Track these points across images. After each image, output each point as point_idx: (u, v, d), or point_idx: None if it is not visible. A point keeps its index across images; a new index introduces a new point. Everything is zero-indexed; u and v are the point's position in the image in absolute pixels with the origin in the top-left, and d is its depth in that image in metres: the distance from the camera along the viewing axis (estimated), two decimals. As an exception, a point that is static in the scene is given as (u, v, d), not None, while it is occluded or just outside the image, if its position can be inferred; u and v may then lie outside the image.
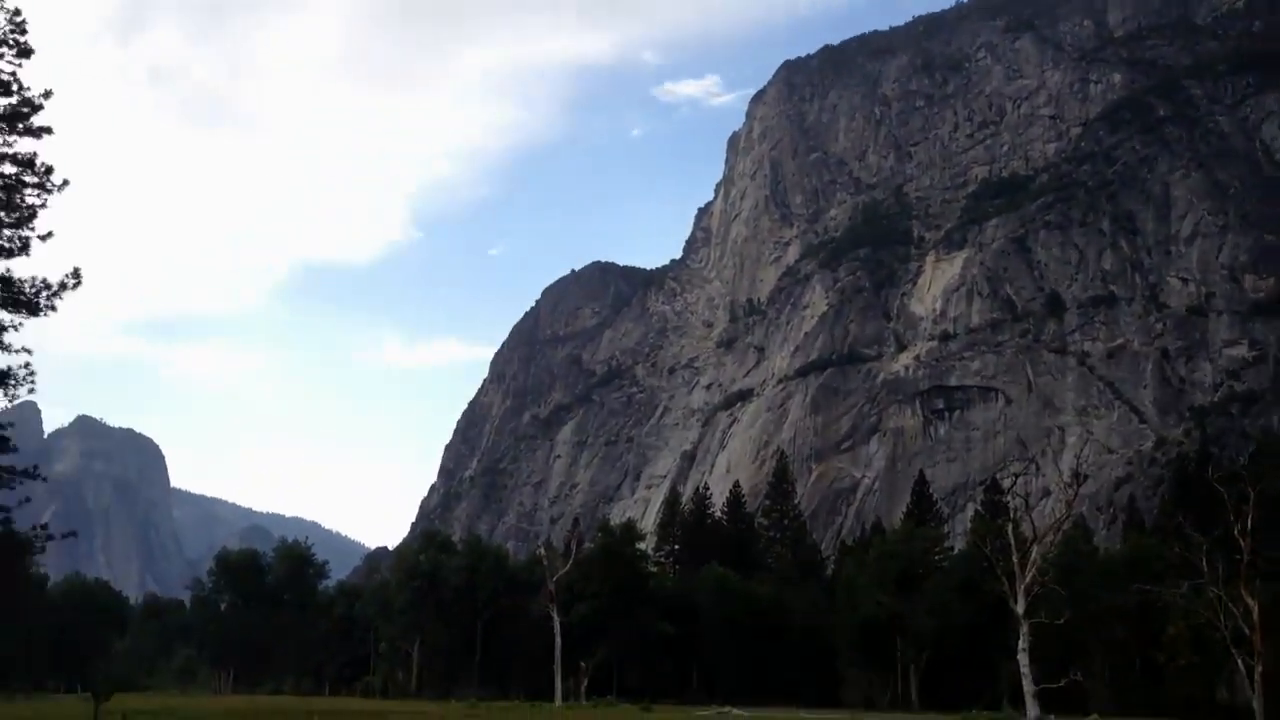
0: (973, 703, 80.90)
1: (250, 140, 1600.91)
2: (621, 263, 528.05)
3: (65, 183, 40.96)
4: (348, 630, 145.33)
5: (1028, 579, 70.84)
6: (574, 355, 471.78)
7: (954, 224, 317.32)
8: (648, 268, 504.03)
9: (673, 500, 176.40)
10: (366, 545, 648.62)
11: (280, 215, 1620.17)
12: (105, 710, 47.68)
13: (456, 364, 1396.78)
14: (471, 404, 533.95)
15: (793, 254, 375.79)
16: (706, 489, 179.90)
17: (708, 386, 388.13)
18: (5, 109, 39.96)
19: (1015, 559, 71.72)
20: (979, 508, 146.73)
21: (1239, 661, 66.13)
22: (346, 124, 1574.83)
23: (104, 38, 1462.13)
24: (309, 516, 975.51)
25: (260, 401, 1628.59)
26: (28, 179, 40.41)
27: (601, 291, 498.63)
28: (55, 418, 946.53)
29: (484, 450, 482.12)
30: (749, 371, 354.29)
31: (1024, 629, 69.79)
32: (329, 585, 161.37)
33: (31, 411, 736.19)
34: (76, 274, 40.46)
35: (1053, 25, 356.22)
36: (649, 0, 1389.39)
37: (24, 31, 39.88)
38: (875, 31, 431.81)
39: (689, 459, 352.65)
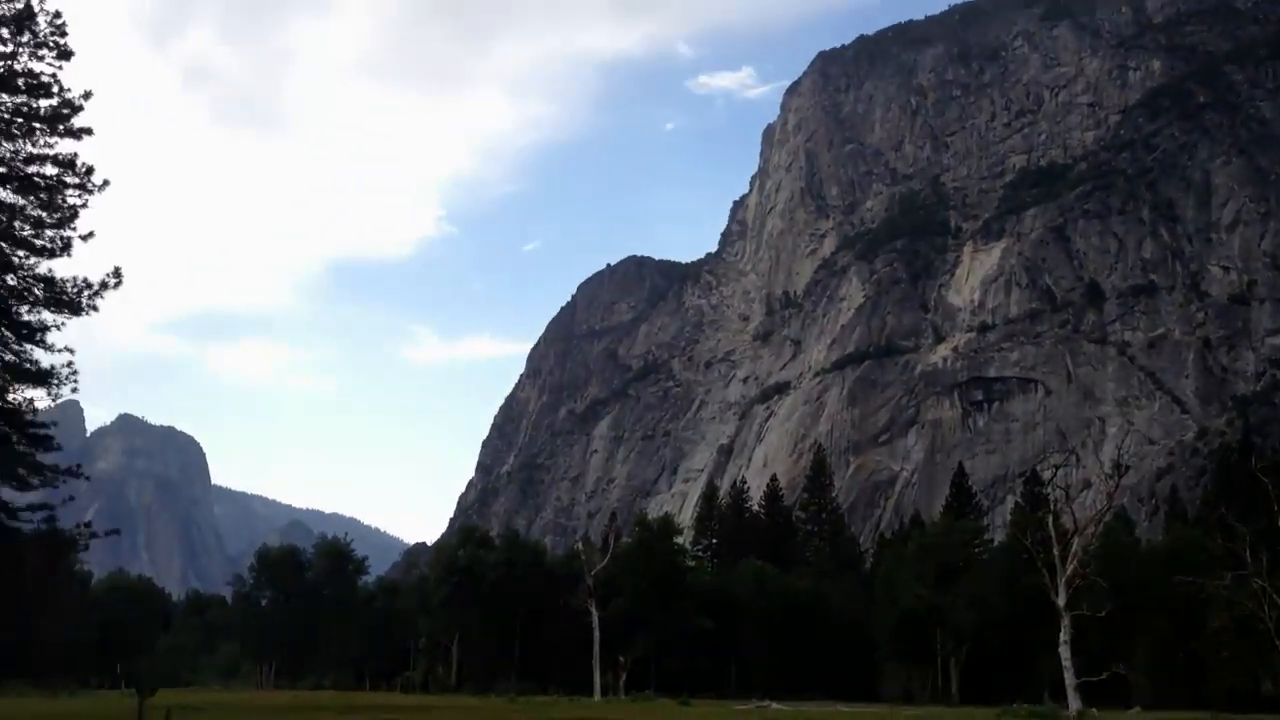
0: (1013, 696, 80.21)
1: (284, 139, 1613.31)
2: (657, 257, 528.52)
3: (105, 183, 41.37)
4: (387, 625, 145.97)
5: (1069, 571, 70.35)
6: (610, 350, 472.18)
7: (992, 214, 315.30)
8: (683, 261, 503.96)
9: (710, 494, 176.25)
10: (405, 541, 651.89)
11: (315, 213, 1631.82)
12: (149, 706, 48.10)
13: (493, 359, 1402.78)
14: (508, 399, 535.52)
15: (829, 246, 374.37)
16: (744, 482, 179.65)
17: (744, 380, 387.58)
18: (46, 111, 40.39)
19: (1056, 551, 71.25)
20: (1019, 500, 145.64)
21: (1284, 654, 65.37)
22: (380, 121, 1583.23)
23: (139, 40, 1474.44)
24: (348, 512, 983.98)
25: (298, 398, 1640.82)
26: (69, 180, 40.83)
27: (637, 286, 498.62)
28: (97, 417, 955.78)
29: (521, 445, 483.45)
30: (786, 364, 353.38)
31: (1065, 622, 69.32)
32: (368, 581, 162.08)
33: (74, 410, 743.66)
34: (117, 273, 40.86)
35: (1090, 12, 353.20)
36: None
37: (64, 34, 40.30)
38: (911, 21, 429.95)
39: (726, 453, 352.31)
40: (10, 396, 40.84)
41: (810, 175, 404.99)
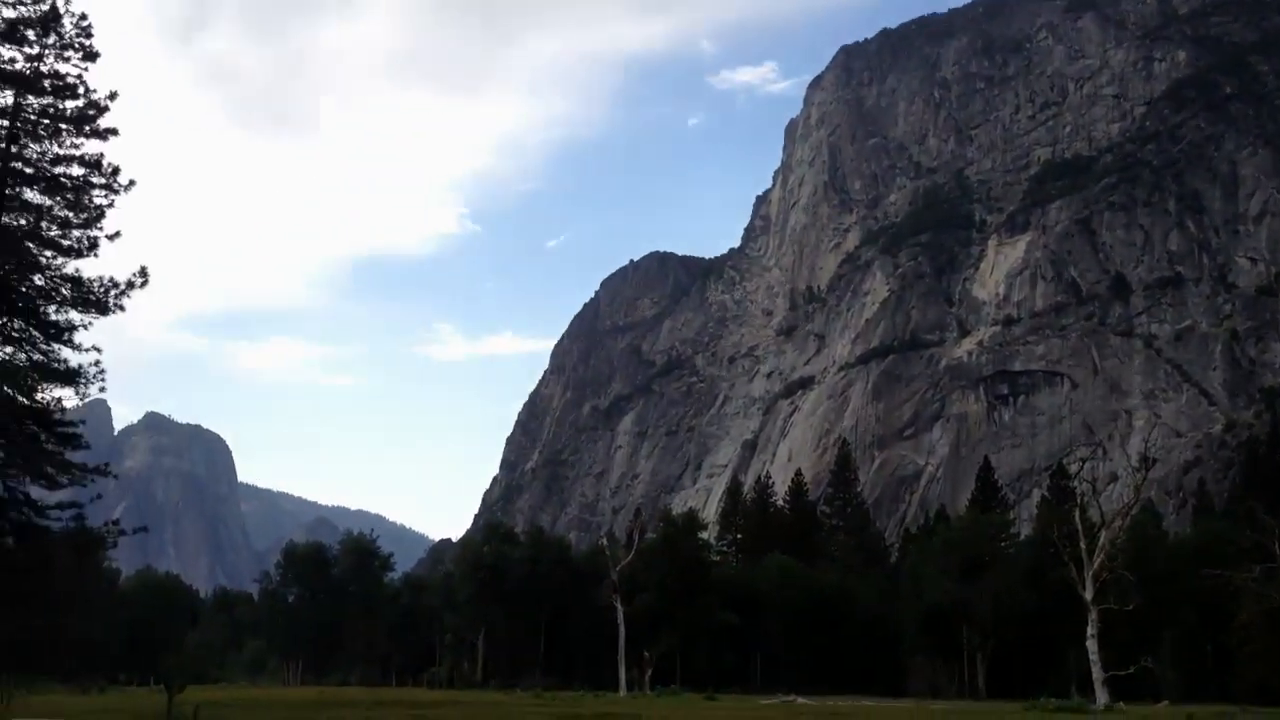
0: (1040, 690, 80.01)
1: (307, 138, 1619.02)
2: (680, 253, 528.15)
3: (132, 183, 41.62)
4: (413, 622, 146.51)
5: (1096, 565, 70.13)
6: (634, 346, 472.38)
7: (1016, 207, 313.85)
8: (706, 257, 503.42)
9: (734, 489, 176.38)
10: (430, 537, 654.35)
11: (339, 211, 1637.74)
12: (178, 703, 48.45)
13: (517, 356, 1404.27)
14: (532, 396, 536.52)
15: (852, 240, 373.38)
16: (768, 477, 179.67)
17: (768, 375, 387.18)
18: (73, 111, 40.65)
19: (1083, 545, 71.02)
20: (1045, 494, 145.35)
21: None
22: (402, 119, 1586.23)
23: (163, 40, 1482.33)
24: (373, 509, 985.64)
25: (324, 396, 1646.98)
26: (95, 180, 41.10)
27: (660, 282, 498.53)
28: (125, 415, 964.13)
29: (545, 442, 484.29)
30: (810, 359, 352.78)
31: (1092, 615, 69.10)
32: (394, 577, 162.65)
33: (102, 409, 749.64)
34: (144, 273, 41.10)
35: (1115, 3, 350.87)
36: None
37: (90, 35, 40.56)
38: (934, 14, 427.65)
39: (750, 448, 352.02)
40: (39, 396, 41.15)
41: (833, 169, 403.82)
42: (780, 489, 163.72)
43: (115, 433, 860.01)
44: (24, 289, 41.43)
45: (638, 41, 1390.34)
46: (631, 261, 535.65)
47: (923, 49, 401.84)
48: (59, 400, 41.60)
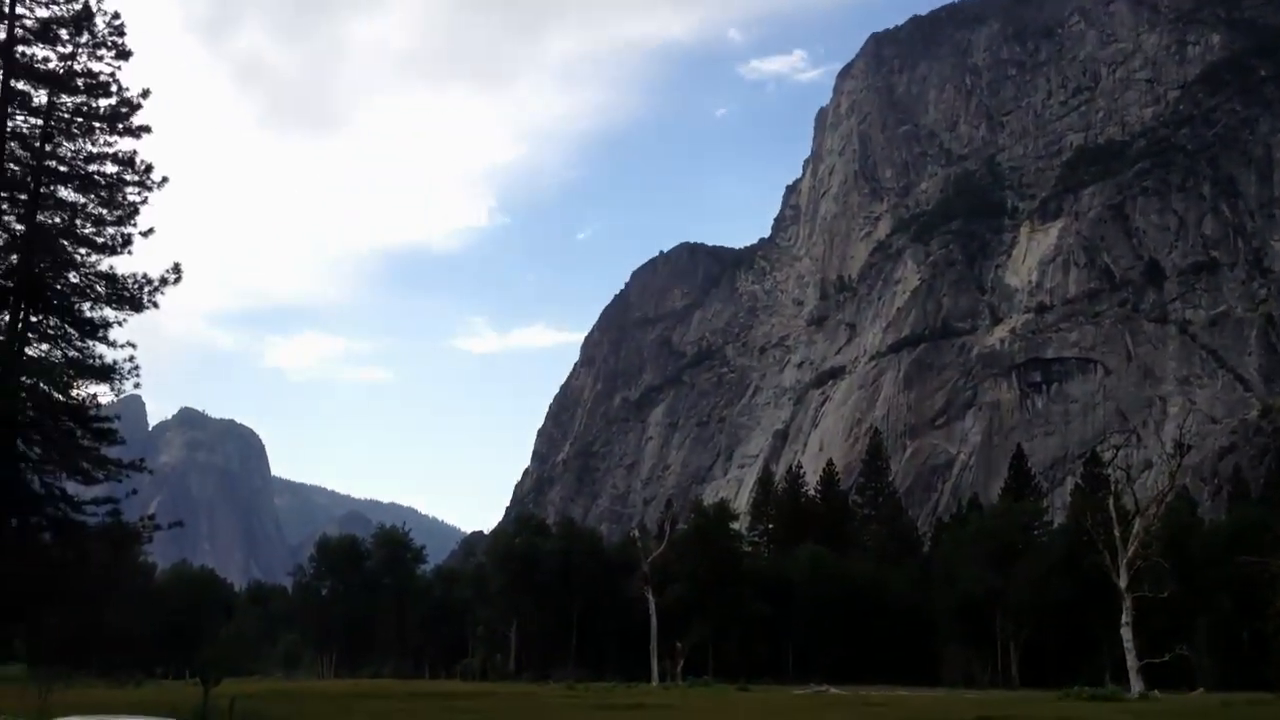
0: (1075, 679, 79.64)
1: (337, 133, 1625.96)
2: (710, 243, 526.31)
3: (164, 180, 41.97)
4: (445, 614, 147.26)
5: (1130, 552, 69.84)
6: (664, 337, 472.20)
7: (1049, 193, 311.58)
8: (736, 247, 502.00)
9: (766, 479, 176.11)
10: (462, 530, 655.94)
11: (369, 206, 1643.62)
12: (214, 695, 48.86)
13: (548, 348, 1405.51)
14: (563, 388, 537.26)
15: (883, 229, 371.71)
16: (799, 467, 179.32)
17: (799, 365, 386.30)
18: (106, 110, 41.00)
19: (1117, 532, 70.74)
20: (1079, 481, 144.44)
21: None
22: (431, 113, 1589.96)
23: (194, 38, 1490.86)
24: (405, 502, 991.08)
25: (356, 390, 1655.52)
26: (128, 177, 41.46)
27: (690, 272, 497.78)
28: (159, 411, 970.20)
29: (576, 434, 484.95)
30: (840, 349, 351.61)
31: (1127, 603, 68.84)
32: (426, 570, 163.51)
33: (137, 405, 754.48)
34: (177, 269, 41.45)
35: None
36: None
37: (122, 34, 40.88)
38: (964, 0, 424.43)
39: (781, 438, 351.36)
40: (74, 392, 41.54)
41: (864, 158, 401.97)
42: (812, 479, 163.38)
43: (150, 428, 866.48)
44: (59, 286, 41.84)
45: (666, 32, 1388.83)
46: (661, 252, 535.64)
47: (954, 35, 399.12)
48: (94, 396, 42.00)
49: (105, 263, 41.74)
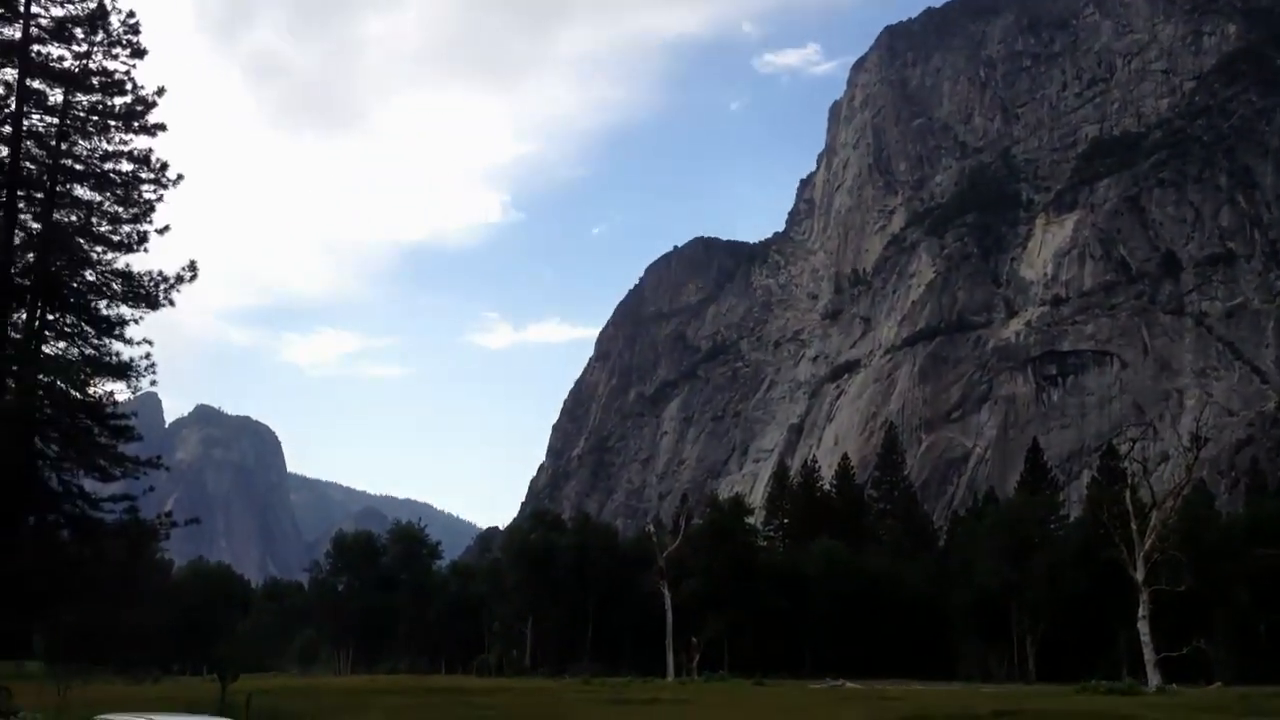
0: (1092, 673, 79.45)
1: (351, 130, 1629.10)
2: (724, 238, 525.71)
3: (180, 177, 42.11)
4: (461, 610, 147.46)
5: (1147, 546, 69.65)
6: (678, 332, 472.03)
7: (1064, 185, 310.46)
8: (750, 241, 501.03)
9: (781, 474, 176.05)
10: (478, 525, 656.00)
11: (384, 202, 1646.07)
12: (231, 691, 49.02)
13: (562, 343, 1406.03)
14: (578, 383, 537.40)
15: (898, 222, 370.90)
16: (815, 462, 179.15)
17: (814, 359, 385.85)
18: (121, 108, 41.13)
19: (1134, 526, 70.56)
20: (1095, 474, 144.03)
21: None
22: (444, 109, 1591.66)
23: (208, 36, 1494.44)
24: (421, 498, 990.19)
25: (371, 386, 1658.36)
26: (144, 175, 41.61)
27: (705, 267, 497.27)
28: (175, 408, 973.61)
29: (591, 429, 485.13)
30: (855, 342, 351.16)
31: (1144, 597, 68.66)
32: (442, 566, 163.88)
33: (153, 402, 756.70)
34: (192, 267, 41.58)
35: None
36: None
37: (137, 32, 41.00)
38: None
39: (796, 432, 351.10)
40: (91, 389, 41.71)
41: (878, 151, 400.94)
42: (827, 473, 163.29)
43: (166, 425, 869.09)
44: (75, 284, 42.02)
45: (679, 26, 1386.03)
46: (675, 247, 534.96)
47: (967, 27, 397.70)
48: (111, 394, 42.13)
49: (121, 260, 41.93)
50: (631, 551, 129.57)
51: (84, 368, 41.11)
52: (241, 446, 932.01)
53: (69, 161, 41.37)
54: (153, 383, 42.14)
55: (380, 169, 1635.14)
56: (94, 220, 41.78)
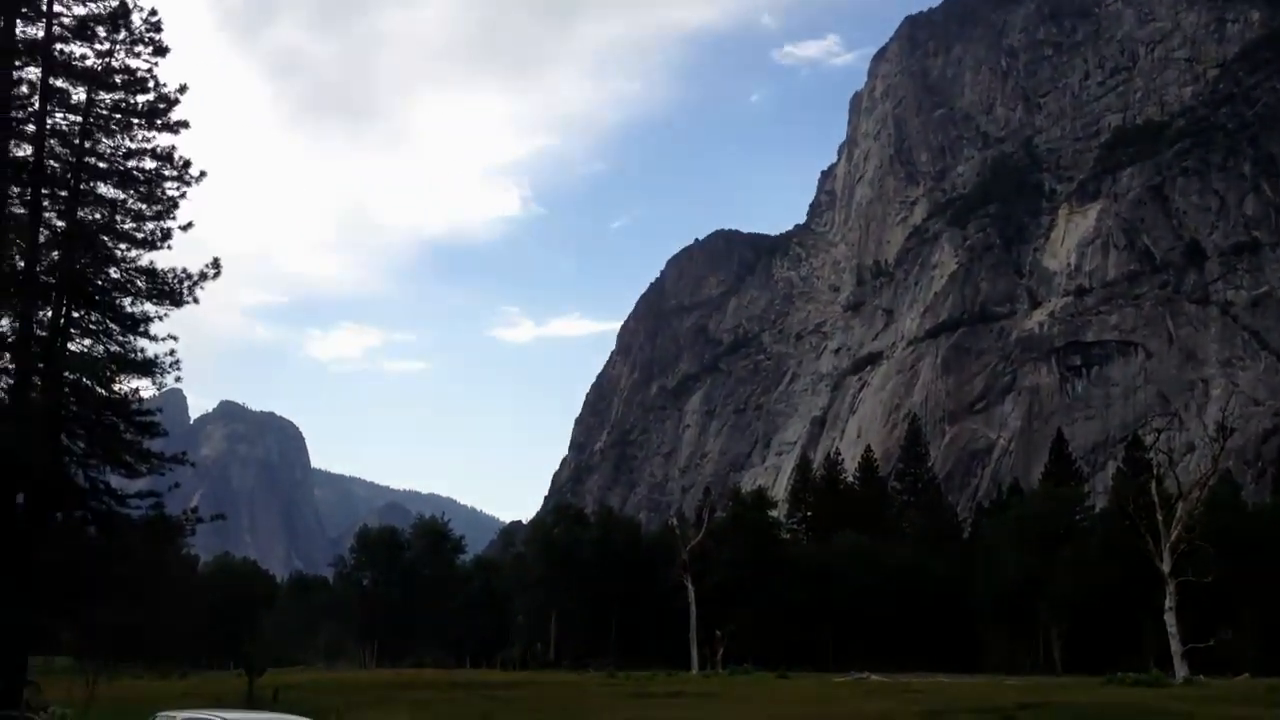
0: (1118, 665, 79.11)
1: (372, 126, 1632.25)
2: (745, 230, 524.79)
3: (203, 174, 42.27)
4: (485, 604, 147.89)
5: (1173, 537, 69.27)
6: (700, 325, 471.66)
7: (1087, 175, 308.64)
8: (772, 234, 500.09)
9: (804, 466, 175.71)
10: (501, 520, 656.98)
11: (403, 197, 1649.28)
12: (259, 686, 49.34)
13: (584, 337, 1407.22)
14: (600, 377, 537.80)
15: (919, 213, 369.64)
16: (838, 454, 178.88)
17: (836, 351, 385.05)
18: (144, 106, 41.27)
19: (1160, 517, 70.18)
20: (1120, 465, 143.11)
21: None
22: (464, 103, 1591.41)
23: (229, 33, 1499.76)
24: (444, 493, 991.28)
25: (393, 382, 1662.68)
26: (167, 172, 41.76)
27: (726, 260, 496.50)
28: (200, 404, 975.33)
29: (613, 423, 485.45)
30: (878, 334, 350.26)
31: (1170, 588, 68.30)
32: (466, 560, 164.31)
33: (178, 399, 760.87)
34: (216, 264, 41.77)
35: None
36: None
37: (159, 30, 41.14)
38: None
39: (819, 424, 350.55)
40: (116, 386, 41.95)
41: (899, 142, 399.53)
42: (850, 465, 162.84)
43: (191, 421, 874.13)
44: (100, 282, 42.23)
45: (698, 18, 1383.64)
46: (696, 240, 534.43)
47: (989, 17, 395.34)
48: (136, 390, 42.38)
49: (145, 258, 42.10)
50: (654, 545, 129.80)
51: (109, 365, 41.34)
52: (266, 442, 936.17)
53: (92, 159, 41.56)
54: (177, 379, 42.39)
55: (401, 164, 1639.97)
56: (118, 218, 41.97)
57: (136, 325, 41.96)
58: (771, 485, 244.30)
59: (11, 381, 40.82)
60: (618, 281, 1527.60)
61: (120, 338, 42.11)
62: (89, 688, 41.75)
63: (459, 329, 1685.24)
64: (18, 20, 40.32)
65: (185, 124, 41.74)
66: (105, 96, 41.19)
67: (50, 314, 41.31)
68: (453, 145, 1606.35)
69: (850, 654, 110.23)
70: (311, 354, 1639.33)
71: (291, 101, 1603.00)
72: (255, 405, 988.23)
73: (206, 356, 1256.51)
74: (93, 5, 40.39)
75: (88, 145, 41.33)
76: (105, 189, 42.13)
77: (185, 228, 42.00)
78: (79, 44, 40.64)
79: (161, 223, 41.76)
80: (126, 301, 42.22)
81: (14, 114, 40.53)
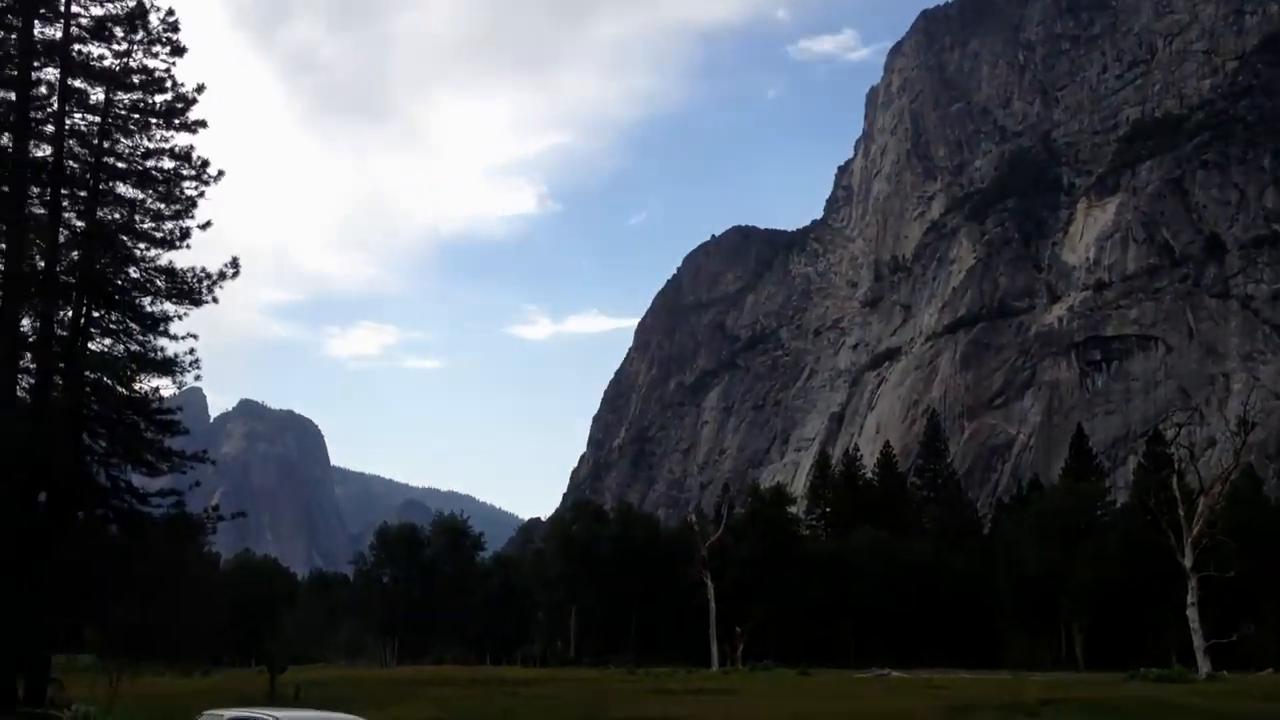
0: (1140, 660, 78.74)
1: (388, 124, 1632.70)
2: (762, 226, 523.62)
3: (220, 173, 42.45)
4: (505, 601, 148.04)
5: (1195, 532, 68.94)
6: (717, 321, 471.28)
7: (1106, 168, 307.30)
8: (788, 229, 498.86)
9: (822, 462, 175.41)
10: (520, 516, 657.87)
11: (420, 195, 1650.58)
12: (280, 683, 49.50)
13: (601, 334, 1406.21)
14: (617, 374, 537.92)
15: (937, 208, 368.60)
16: (856, 450, 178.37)
17: (854, 347, 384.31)
18: (162, 105, 41.45)
19: (1181, 512, 69.84)
20: (1141, 460, 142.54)
21: None
22: (480, 101, 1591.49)
23: (245, 33, 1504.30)
24: (463, 490, 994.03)
25: (412, 379, 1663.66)
26: (185, 172, 41.94)
27: (743, 256, 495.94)
28: (219, 403, 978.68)
29: (631, 419, 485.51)
30: (896, 330, 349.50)
31: (1192, 583, 67.99)
32: (485, 557, 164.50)
33: (198, 397, 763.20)
34: (234, 263, 41.96)
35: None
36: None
37: (176, 30, 41.33)
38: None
39: (837, 420, 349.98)
40: (137, 386, 42.13)
41: (916, 137, 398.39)
42: (869, 461, 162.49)
43: (211, 420, 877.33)
44: (120, 281, 42.42)
45: (713, 14, 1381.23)
46: (713, 236, 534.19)
47: (1005, 10, 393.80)
48: (156, 389, 42.60)
49: (164, 257, 42.34)
50: (674, 541, 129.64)
51: (129, 364, 41.54)
52: (285, 440, 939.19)
53: (111, 159, 41.75)
54: (197, 378, 42.62)
55: (417, 162, 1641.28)
56: (137, 217, 42.17)
57: (156, 324, 42.16)
58: (790, 481, 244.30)
59: (33, 381, 41.07)
60: (635, 278, 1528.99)
61: (140, 337, 42.32)
62: (112, 685, 41.89)
63: (476, 326, 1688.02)
64: (36, 21, 40.52)
65: (203, 123, 41.94)
66: (123, 96, 41.37)
67: (71, 314, 41.54)
68: (468, 143, 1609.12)
69: (870, 650, 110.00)
70: (330, 352, 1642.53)
71: (307, 100, 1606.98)
72: (274, 403, 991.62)
73: (226, 355, 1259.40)
74: (110, 6, 40.58)
75: (106, 145, 41.51)
76: (124, 189, 42.34)
77: (204, 227, 42.20)
78: (97, 44, 40.84)
79: (180, 222, 41.96)
80: (146, 301, 42.44)
81: (33, 115, 40.73)
